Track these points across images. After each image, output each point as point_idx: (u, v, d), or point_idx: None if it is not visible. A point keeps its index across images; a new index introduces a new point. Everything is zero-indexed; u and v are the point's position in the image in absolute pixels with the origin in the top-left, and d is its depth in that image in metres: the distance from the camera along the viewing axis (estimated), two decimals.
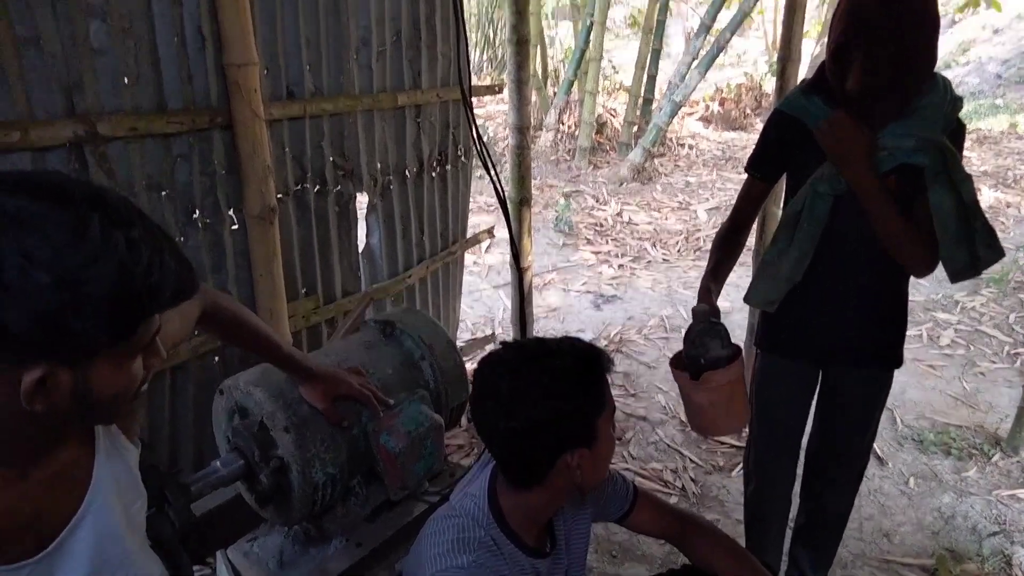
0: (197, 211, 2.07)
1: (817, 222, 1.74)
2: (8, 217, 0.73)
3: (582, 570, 1.39)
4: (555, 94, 9.39)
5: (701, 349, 1.72)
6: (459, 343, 3.89)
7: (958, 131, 1.68)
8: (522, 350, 1.21)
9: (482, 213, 6.55)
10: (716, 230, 2.00)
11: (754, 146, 1.92)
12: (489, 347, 4.04)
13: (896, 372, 1.95)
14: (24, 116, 1.66)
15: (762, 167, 1.89)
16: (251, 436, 1.55)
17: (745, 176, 1.95)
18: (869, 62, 1.54)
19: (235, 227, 2.18)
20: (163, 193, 1.97)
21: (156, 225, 0.85)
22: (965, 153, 1.70)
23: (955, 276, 1.67)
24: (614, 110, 9.67)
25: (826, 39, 1.70)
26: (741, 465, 2.91)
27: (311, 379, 1.55)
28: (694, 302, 1.84)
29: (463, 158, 3.21)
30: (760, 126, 2.27)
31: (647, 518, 1.48)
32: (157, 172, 1.95)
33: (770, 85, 11.35)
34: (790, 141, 1.79)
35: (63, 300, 0.74)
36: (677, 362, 1.81)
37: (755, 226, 2.46)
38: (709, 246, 1.94)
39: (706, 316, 1.76)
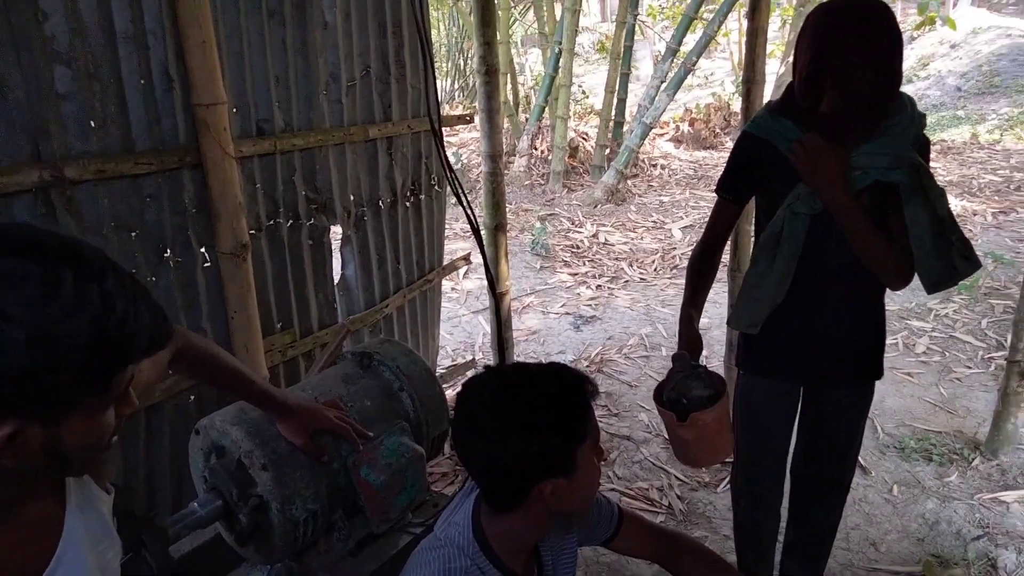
0: (168, 250, 2.06)
1: (796, 242, 1.76)
2: None
3: None
4: (527, 120, 9.49)
5: (684, 392, 1.74)
6: (439, 370, 3.89)
7: (924, 146, 1.72)
8: (502, 377, 1.21)
9: (459, 240, 6.57)
10: (692, 248, 2.01)
11: (724, 168, 1.95)
12: (470, 373, 4.03)
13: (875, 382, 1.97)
14: None
15: (733, 188, 1.90)
16: (229, 475, 1.53)
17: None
18: (845, 87, 1.56)
19: (207, 264, 2.16)
20: (133, 233, 1.96)
21: (129, 274, 0.84)
22: (931, 164, 1.74)
23: (933, 287, 1.68)
24: (586, 134, 9.78)
25: (790, 59, 1.74)
26: (727, 480, 2.91)
27: (288, 414, 1.54)
28: (673, 320, 1.86)
29: (437, 187, 3.22)
30: (730, 144, 2.30)
31: (633, 540, 1.47)
32: (126, 213, 1.94)
33: (738, 104, 11.52)
34: (760, 163, 1.81)
35: (36, 357, 0.73)
36: (661, 398, 1.82)
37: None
38: (685, 264, 1.95)
39: (685, 362, 1.78)
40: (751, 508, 2.18)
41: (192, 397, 2.22)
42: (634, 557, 1.60)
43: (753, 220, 1.98)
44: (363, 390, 1.80)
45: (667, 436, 1.95)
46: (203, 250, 2.15)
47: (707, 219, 1.99)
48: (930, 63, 13.37)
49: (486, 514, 1.24)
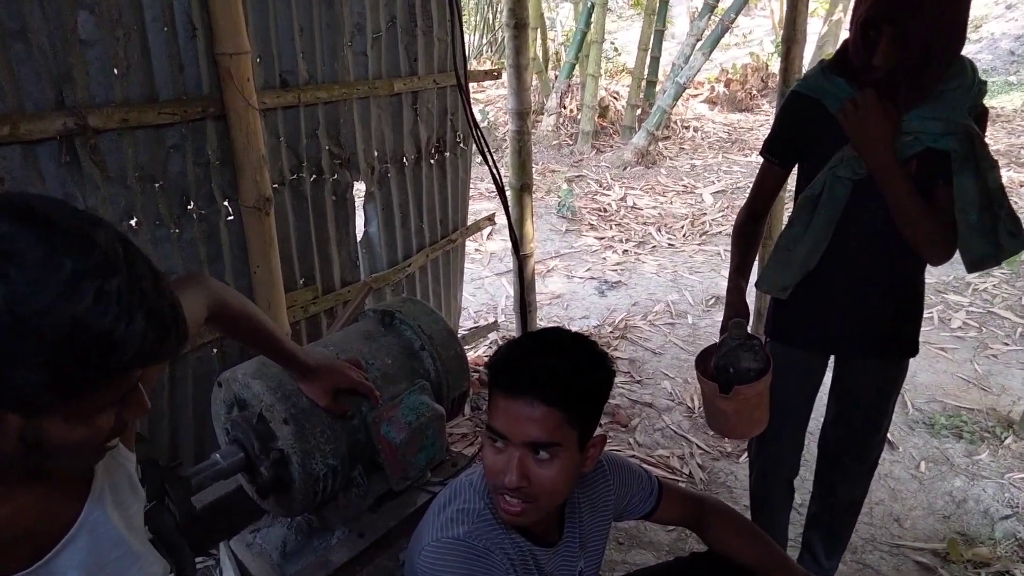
0: (192, 202, 2.08)
1: (835, 207, 1.73)
2: None
3: (597, 569, 1.39)
4: (556, 77, 9.36)
5: (733, 361, 1.75)
6: (461, 332, 3.91)
7: (981, 116, 1.64)
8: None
9: (484, 200, 6.55)
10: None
11: (770, 129, 1.91)
12: (492, 335, 4.06)
13: None
14: (14, 109, 1.66)
15: (778, 151, 1.87)
16: (250, 428, 1.56)
17: (754, 158, 1.94)
18: (900, 35, 1.50)
19: (231, 218, 2.19)
20: (157, 184, 1.98)
21: (150, 279, 0.78)
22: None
23: (974, 266, 1.64)
24: (617, 93, 9.63)
25: (833, 17, 1.69)
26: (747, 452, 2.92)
27: (310, 375, 1.56)
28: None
29: (462, 144, 3.21)
30: (768, 107, 2.26)
31: (669, 511, 1.49)
32: (150, 163, 1.96)
33: (777, 65, 11.28)
34: (808, 123, 1.77)
35: (7, 347, 0.69)
36: (702, 366, 1.84)
37: None
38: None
39: (743, 330, 1.78)
40: (763, 476, 2.19)
41: (215, 350, 2.27)
42: (667, 525, 1.61)
43: (793, 186, 1.95)
44: (384, 348, 1.82)
45: (701, 403, 1.95)
46: (226, 203, 2.17)
47: (739, 184, 1.97)
48: (983, 25, 12.91)
49: None
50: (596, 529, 1.38)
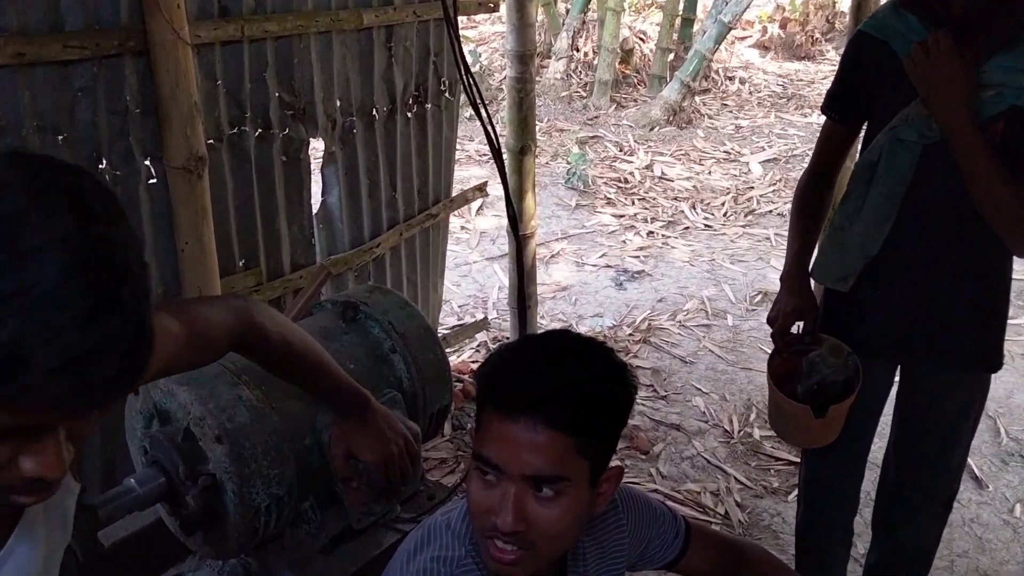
0: (104, 161, 2.08)
1: (898, 178, 1.73)
2: None
3: None
4: (568, 13, 9.35)
5: (813, 372, 1.86)
6: (442, 330, 3.92)
7: None
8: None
9: (472, 165, 6.56)
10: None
11: (832, 80, 1.91)
12: (480, 335, 4.06)
13: (997, 373, 1.96)
14: None
15: (841, 106, 1.87)
16: (174, 447, 1.56)
17: (815, 119, 1.95)
18: None
19: (153, 181, 2.19)
20: (60, 137, 1.98)
21: (137, 279, 0.75)
22: None
23: None
24: (644, 33, 9.62)
25: None
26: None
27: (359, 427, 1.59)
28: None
29: (447, 94, 3.21)
30: (833, 55, 2.27)
31: (700, 559, 1.49)
32: (52, 110, 1.95)
33: (847, 2, 11.29)
34: (873, 72, 1.77)
35: None
36: (776, 376, 1.92)
37: None
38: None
39: (841, 358, 1.85)
40: (814, 514, 2.20)
41: None
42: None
43: (858, 151, 1.96)
44: (345, 349, 1.81)
45: (770, 412, 2.05)
46: (148, 162, 2.17)
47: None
48: None
49: None
50: None
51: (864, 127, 1.90)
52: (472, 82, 2.43)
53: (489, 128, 2.45)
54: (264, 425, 1.59)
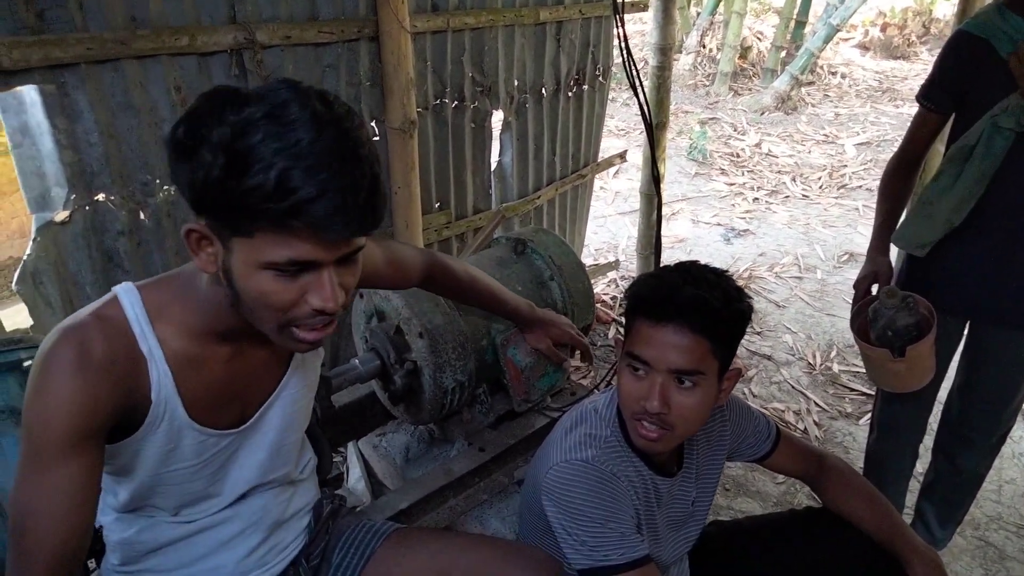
0: None
1: (991, 161, 1.58)
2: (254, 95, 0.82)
3: (709, 503, 1.39)
4: (698, 14, 8.92)
5: (890, 324, 1.69)
6: None
7: None
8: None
9: (611, 137, 6.42)
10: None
11: (929, 73, 1.76)
12: (611, 274, 4.03)
13: None
14: (191, 22, 1.76)
15: (937, 97, 1.72)
16: (388, 338, 1.63)
17: (905, 109, 1.81)
18: None
19: (376, 138, 2.25)
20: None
21: (348, 146, 0.81)
22: None
23: None
24: (761, 33, 9.07)
25: None
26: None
27: (531, 326, 1.68)
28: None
29: (601, 78, 3.13)
30: (926, 56, 2.08)
31: (786, 459, 1.46)
32: (306, 80, 1.98)
33: (942, 9, 10.27)
34: (973, 67, 1.61)
35: (219, 163, 0.79)
36: (858, 329, 1.79)
37: None
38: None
39: (896, 298, 1.69)
40: (882, 438, 2.09)
41: None
42: (781, 473, 1.58)
43: (947, 138, 1.79)
44: (515, 275, 1.84)
45: (865, 367, 1.94)
46: (373, 124, 2.23)
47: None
48: None
49: None
50: (711, 463, 1.38)
51: (953, 117, 1.74)
52: (632, 63, 2.34)
53: (644, 104, 2.36)
54: (454, 327, 1.64)
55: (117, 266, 1.84)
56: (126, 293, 0.95)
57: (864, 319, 1.79)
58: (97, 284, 1.81)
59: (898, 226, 1.83)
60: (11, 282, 1.73)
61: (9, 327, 1.79)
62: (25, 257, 1.70)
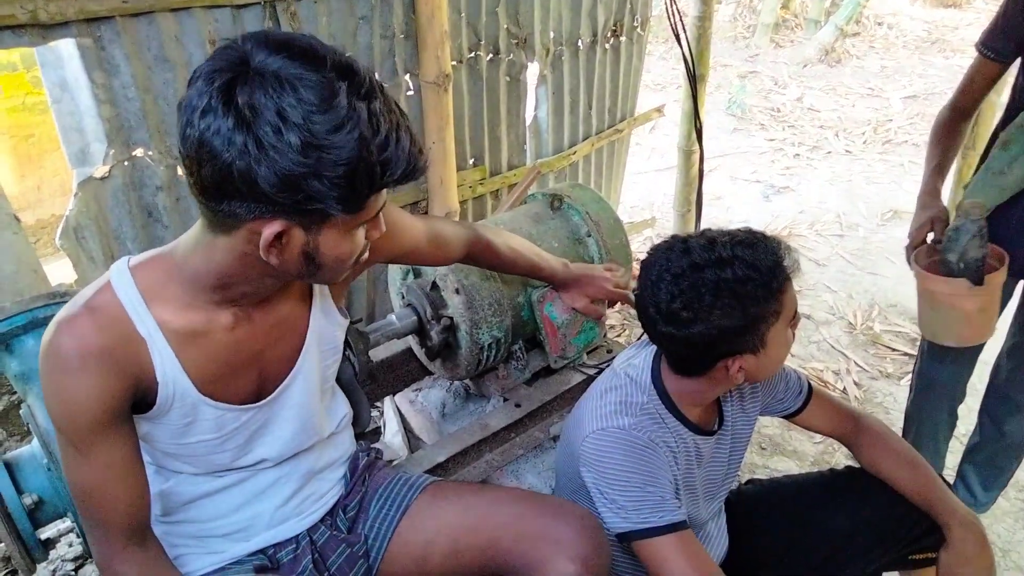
0: (376, 74, 2.12)
1: None
2: (270, 74, 0.78)
3: (742, 455, 1.38)
4: None
5: (967, 256, 1.57)
6: None
7: None
8: (689, 255, 1.11)
9: (648, 92, 6.27)
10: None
11: (991, 21, 1.67)
12: (647, 231, 3.98)
13: None
14: None
15: (997, 44, 1.63)
16: (424, 295, 1.63)
17: (955, 61, 1.72)
18: None
19: (410, 93, 2.22)
20: (346, 55, 2.03)
21: (395, 102, 0.86)
22: None
23: None
24: None
25: None
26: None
27: (567, 286, 1.67)
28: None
29: (639, 29, 3.05)
30: (981, 3, 1.96)
31: (817, 417, 1.43)
32: (341, 33, 2.00)
33: None
34: None
35: (308, 163, 0.78)
36: (930, 266, 1.67)
37: None
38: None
39: (980, 210, 1.57)
40: (921, 396, 2.05)
41: None
42: (814, 432, 1.56)
43: (1009, 91, 1.71)
44: (551, 231, 1.82)
45: (921, 314, 1.78)
46: (407, 77, 2.19)
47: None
48: None
49: (666, 369, 1.24)
50: (745, 420, 1.37)
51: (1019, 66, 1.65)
52: (676, 9, 2.26)
53: (688, 55, 2.29)
54: (490, 284, 1.63)
55: (156, 221, 1.86)
56: (119, 276, 0.96)
57: (930, 255, 1.69)
58: (138, 239, 1.83)
59: (965, 195, 1.75)
60: (55, 238, 1.76)
61: (54, 281, 1.82)
62: (67, 213, 1.72)
